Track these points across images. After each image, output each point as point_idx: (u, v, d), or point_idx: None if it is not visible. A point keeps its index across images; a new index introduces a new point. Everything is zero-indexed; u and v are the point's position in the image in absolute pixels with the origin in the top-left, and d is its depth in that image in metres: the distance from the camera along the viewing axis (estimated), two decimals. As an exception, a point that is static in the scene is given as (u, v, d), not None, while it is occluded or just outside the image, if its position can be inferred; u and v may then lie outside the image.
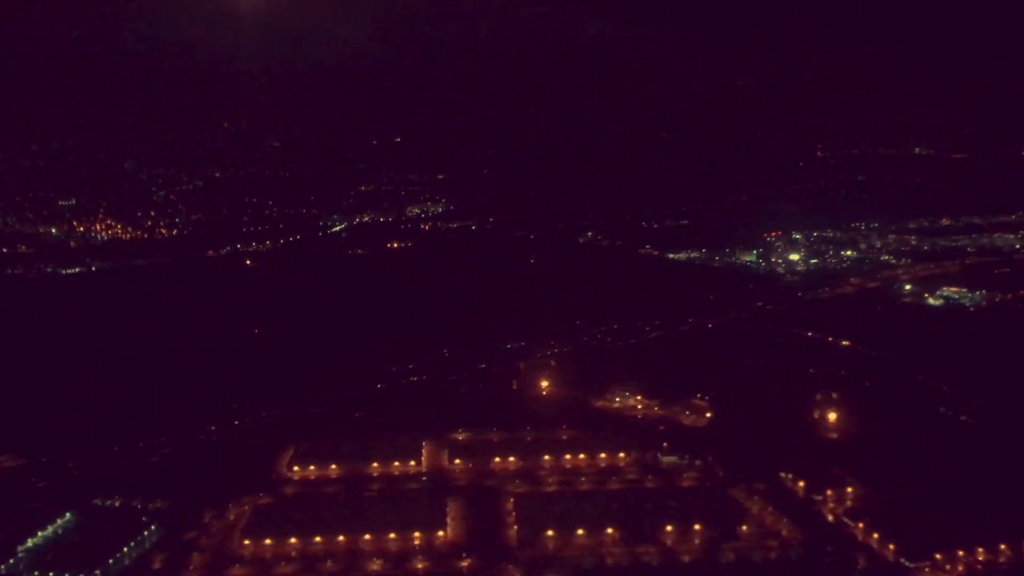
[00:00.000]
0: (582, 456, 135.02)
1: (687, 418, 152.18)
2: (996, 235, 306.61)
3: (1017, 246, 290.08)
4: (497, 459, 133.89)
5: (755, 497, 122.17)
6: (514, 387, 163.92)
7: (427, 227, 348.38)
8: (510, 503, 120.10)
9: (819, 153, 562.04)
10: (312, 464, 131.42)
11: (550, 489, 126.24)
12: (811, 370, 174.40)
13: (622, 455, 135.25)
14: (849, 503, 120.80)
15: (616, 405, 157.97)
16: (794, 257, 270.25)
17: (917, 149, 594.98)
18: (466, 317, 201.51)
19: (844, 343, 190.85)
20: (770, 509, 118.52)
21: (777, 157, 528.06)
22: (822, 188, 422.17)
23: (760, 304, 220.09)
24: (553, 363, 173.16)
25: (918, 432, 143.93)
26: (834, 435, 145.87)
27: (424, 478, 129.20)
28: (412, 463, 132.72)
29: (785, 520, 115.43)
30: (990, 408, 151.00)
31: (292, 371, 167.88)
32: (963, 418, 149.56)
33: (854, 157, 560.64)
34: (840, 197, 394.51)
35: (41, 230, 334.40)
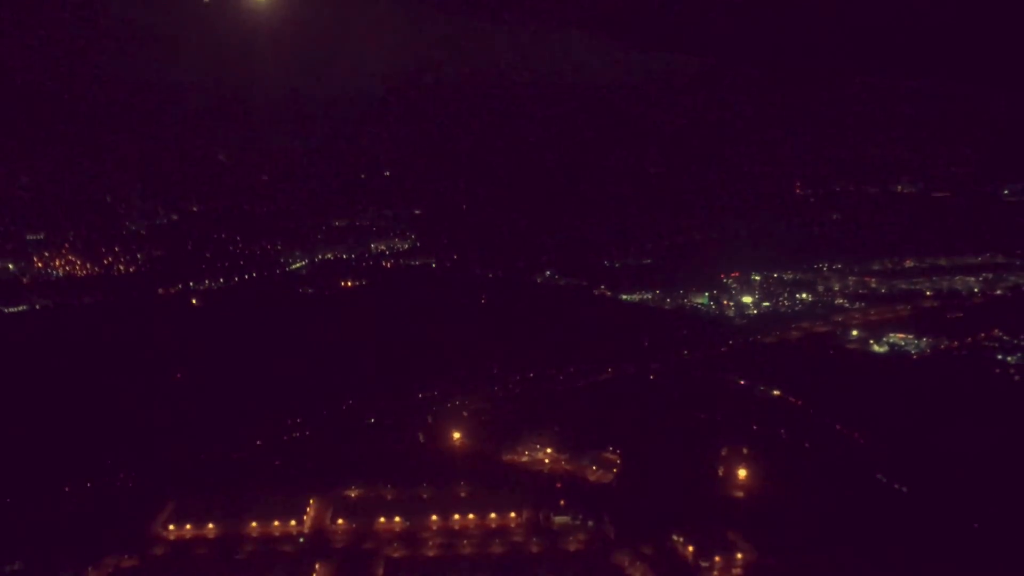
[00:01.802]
0: (471, 516, 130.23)
1: (593, 473, 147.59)
2: (958, 277, 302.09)
3: (976, 289, 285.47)
4: (382, 519, 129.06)
5: (639, 563, 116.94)
6: (420, 439, 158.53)
7: (388, 264, 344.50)
8: (380, 569, 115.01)
9: (798, 191, 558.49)
10: (189, 522, 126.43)
11: (430, 553, 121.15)
12: (735, 421, 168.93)
13: (513, 515, 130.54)
14: (736, 571, 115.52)
15: (524, 459, 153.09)
16: (747, 299, 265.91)
17: (900, 187, 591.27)
18: (392, 363, 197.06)
19: (775, 392, 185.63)
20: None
21: (751, 194, 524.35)
22: (792, 227, 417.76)
23: (695, 351, 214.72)
24: (465, 413, 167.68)
25: (835, 495, 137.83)
26: (740, 494, 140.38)
27: (301, 539, 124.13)
28: (292, 522, 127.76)
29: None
30: (921, 474, 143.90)
31: (194, 419, 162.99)
32: (896, 485, 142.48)
33: (835, 195, 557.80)
34: (809, 237, 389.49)
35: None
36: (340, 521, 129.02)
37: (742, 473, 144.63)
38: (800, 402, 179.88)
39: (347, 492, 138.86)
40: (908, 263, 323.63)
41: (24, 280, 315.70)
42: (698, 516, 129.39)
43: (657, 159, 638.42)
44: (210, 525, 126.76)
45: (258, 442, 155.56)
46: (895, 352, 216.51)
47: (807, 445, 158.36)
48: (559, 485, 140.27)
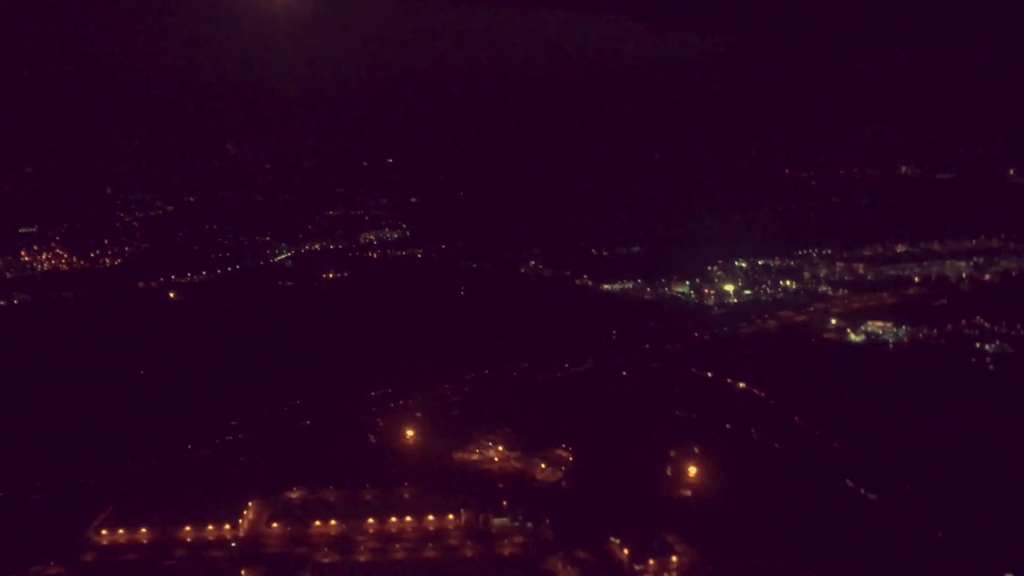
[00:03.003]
0: (408, 519, 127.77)
1: (542, 472, 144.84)
2: (948, 263, 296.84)
3: (964, 275, 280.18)
4: (318, 523, 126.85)
5: (571, 567, 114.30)
6: (372, 439, 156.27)
7: (375, 255, 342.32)
8: (306, 575, 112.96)
9: (803, 175, 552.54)
10: (122, 527, 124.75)
11: (361, 559, 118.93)
12: (695, 417, 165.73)
13: (451, 517, 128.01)
14: (670, 574, 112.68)
15: (475, 457, 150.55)
16: (728, 288, 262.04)
17: (904, 168, 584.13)
18: (352, 359, 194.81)
19: (740, 385, 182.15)
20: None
21: (749, 180, 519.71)
22: (787, 212, 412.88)
23: (665, 343, 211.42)
24: (419, 413, 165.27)
25: (793, 499, 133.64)
26: (688, 493, 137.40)
27: (233, 544, 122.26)
28: (227, 527, 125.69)
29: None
30: (891, 480, 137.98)
31: (145, 420, 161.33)
32: (863, 491, 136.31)
33: (838, 178, 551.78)
34: (803, 222, 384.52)
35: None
36: (275, 525, 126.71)
37: (692, 471, 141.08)
38: (766, 396, 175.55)
39: (289, 494, 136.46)
40: (900, 248, 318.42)
41: (7, 275, 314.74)
42: (641, 517, 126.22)
43: (653, 147, 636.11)
44: (143, 530, 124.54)
45: (207, 442, 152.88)
46: (872, 342, 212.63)
47: (769, 443, 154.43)
48: (501, 485, 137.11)
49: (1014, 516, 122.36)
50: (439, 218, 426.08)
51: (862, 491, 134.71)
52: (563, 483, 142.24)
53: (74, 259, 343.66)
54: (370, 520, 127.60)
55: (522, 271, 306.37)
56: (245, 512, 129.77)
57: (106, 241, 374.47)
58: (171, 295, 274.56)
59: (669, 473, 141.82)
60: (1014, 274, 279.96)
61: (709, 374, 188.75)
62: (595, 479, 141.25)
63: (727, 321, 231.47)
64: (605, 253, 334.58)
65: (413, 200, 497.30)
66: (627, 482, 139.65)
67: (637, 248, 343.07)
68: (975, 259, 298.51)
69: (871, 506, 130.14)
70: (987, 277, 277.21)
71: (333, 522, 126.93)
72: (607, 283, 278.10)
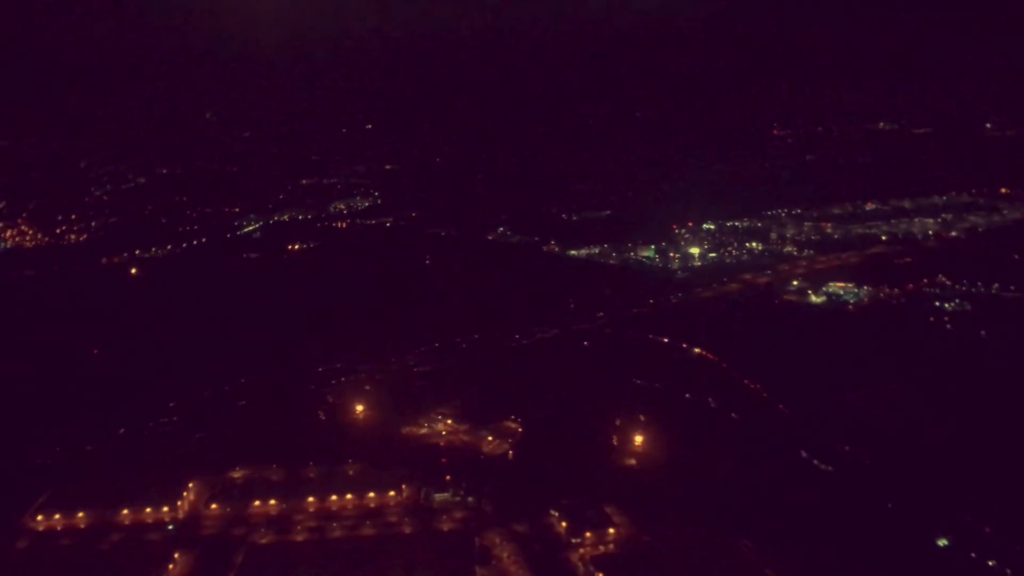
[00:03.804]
0: (349, 496, 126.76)
1: (488, 445, 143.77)
2: (916, 219, 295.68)
3: (930, 232, 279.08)
4: (257, 502, 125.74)
5: (508, 542, 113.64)
6: (320, 416, 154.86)
7: (343, 225, 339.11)
8: (240, 557, 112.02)
9: (775, 132, 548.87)
10: (59, 512, 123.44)
11: (298, 538, 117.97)
12: (646, 384, 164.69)
13: (392, 494, 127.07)
14: (605, 548, 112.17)
15: (423, 431, 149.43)
16: (694, 251, 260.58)
17: (882, 124, 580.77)
18: (308, 333, 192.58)
19: (696, 351, 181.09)
20: (514, 556, 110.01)
21: (725, 139, 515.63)
22: (760, 171, 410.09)
23: (624, 309, 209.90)
24: (368, 387, 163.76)
25: (743, 469, 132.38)
26: (633, 462, 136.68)
27: (170, 527, 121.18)
28: (166, 508, 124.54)
29: (521, 570, 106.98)
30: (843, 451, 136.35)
31: (88, 401, 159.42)
32: (815, 462, 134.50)
33: (816, 135, 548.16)
34: (776, 182, 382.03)
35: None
36: (213, 506, 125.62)
37: (638, 440, 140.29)
38: (722, 362, 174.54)
39: (232, 474, 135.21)
40: (870, 206, 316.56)
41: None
42: (583, 489, 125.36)
43: (627, 109, 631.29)
44: (80, 515, 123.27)
45: (151, 422, 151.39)
46: (832, 302, 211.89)
47: (721, 410, 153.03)
48: (444, 460, 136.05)
49: (959, 482, 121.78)
50: (412, 186, 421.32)
51: (815, 462, 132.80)
52: (510, 455, 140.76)
53: (39, 235, 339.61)
54: (310, 499, 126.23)
55: (490, 238, 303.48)
56: (185, 493, 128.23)
57: (73, 216, 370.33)
58: (133, 271, 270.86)
59: (615, 443, 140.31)
60: (980, 230, 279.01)
61: (665, 340, 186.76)
62: (542, 451, 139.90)
63: (689, 285, 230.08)
64: (575, 218, 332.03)
65: (388, 167, 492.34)
66: (573, 453, 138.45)
67: (608, 212, 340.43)
68: (944, 216, 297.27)
69: (823, 477, 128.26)
70: (953, 234, 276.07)
71: (272, 501, 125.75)
72: (574, 249, 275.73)
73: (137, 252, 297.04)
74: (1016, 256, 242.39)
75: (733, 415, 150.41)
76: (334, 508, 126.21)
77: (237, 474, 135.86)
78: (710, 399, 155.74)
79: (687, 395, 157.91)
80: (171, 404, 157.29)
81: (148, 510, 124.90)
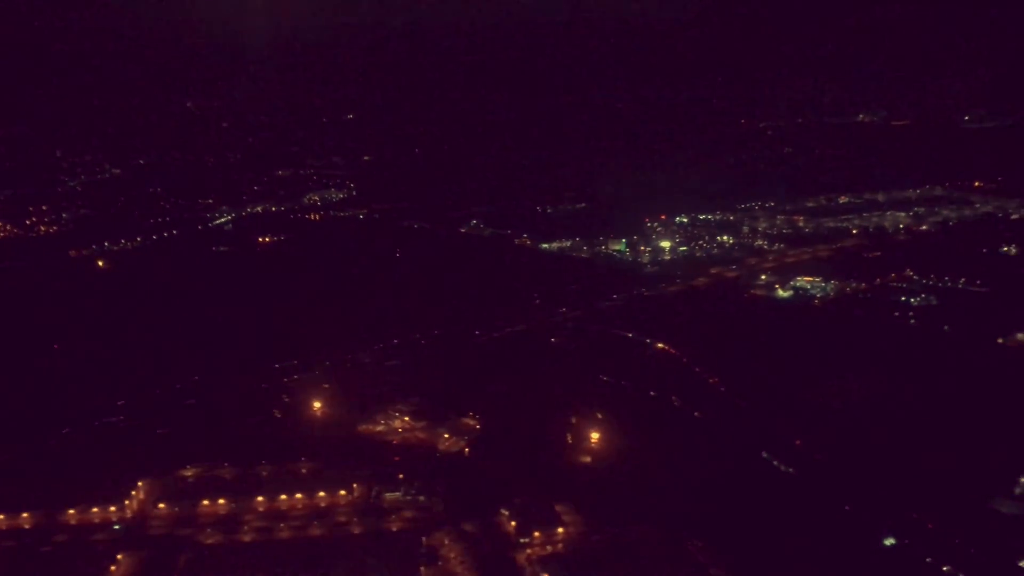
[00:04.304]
0: (299, 496, 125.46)
1: (444, 442, 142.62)
2: (889, 213, 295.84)
3: (901, 226, 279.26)
4: (206, 502, 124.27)
5: (456, 542, 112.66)
6: (276, 414, 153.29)
7: (317, 217, 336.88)
8: (184, 558, 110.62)
9: (760, 124, 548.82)
10: (3, 512, 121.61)
11: (245, 538, 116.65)
12: (608, 380, 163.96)
13: (343, 493, 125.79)
14: (553, 548, 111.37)
15: (380, 429, 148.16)
16: (665, 244, 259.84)
17: (862, 116, 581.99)
18: (269, 330, 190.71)
19: (659, 346, 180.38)
20: (461, 556, 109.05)
21: (706, 132, 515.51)
22: (737, 164, 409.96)
23: (590, 304, 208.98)
24: (326, 384, 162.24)
25: (701, 467, 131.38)
26: (588, 459, 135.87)
27: (116, 527, 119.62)
28: (113, 508, 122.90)
29: (467, 571, 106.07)
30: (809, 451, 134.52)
31: (39, 397, 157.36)
32: (776, 463, 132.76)
33: (795, 127, 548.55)
34: (752, 175, 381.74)
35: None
36: (161, 505, 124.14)
37: (594, 437, 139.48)
38: (685, 357, 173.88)
39: (183, 472, 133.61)
40: (843, 199, 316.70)
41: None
42: (536, 487, 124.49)
43: (605, 101, 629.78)
44: (25, 515, 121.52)
45: (98, 420, 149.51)
46: (799, 297, 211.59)
47: (681, 407, 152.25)
48: (397, 459, 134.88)
49: (910, 478, 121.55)
50: (388, 177, 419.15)
51: (775, 463, 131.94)
52: (465, 453, 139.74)
53: (8, 227, 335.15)
54: (259, 498, 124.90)
55: (463, 231, 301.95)
56: (134, 493, 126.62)
57: (44, 207, 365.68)
58: (100, 263, 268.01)
59: (570, 440, 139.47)
60: (951, 223, 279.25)
61: (630, 335, 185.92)
62: (498, 448, 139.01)
63: (657, 279, 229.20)
64: (550, 211, 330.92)
65: (366, 158, 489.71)
66: (529, 451, 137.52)
67: (583, 205, 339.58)
68: (916, 209, 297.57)
69: (780, 477, 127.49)
70: (924, 227, 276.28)
71: (222, 501, 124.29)
72: (546, 242, 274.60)
73: (106, 244, 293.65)
74: (984, 250, 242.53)
75: (694, 413, 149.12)
76: (284, 508, 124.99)
77: (188, 473, 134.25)
78: (671, 396, 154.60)
79: (647, 391, 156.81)
80: (120, 403, 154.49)
81: (95, 510, 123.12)
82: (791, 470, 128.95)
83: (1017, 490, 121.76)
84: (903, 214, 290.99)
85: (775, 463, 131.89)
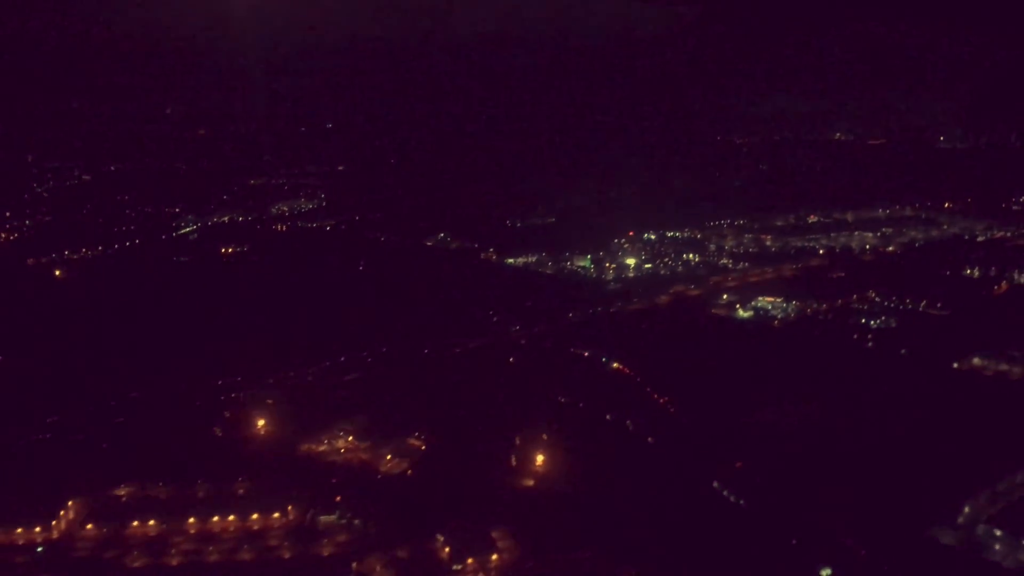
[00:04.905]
0: (232, 518, 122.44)
1: (387, 463, 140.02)
2: (856, 233, 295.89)
3: (868, 246, 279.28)
4: (136, 523, 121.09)
5: (387, 568, 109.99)
6: (217, 431, 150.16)
7: (283, 228, 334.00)
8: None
9: (737, 141, 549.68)
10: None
11: (172, 562, 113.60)
12: (560, 398, 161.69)
13: (277, 515, 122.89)
14: (485, 574, 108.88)
15: (322, 448, 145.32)
16: (630, 261, 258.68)
17: (839, 134, 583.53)
18: (217, 343, 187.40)
19: (615, 365, 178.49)
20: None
21: (683, 145, 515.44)
22: (709, 181, 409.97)
23: (550, 321, 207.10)
24: (270, 400, 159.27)
25: (647, 493, 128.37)
26: (531, 483, 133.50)
27: (40, 549, 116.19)
28: (38, 529, 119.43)
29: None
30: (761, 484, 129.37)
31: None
32: (725, 493, 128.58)
33: (772, 144, 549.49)
34: (726, 189, 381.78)
35: None
36: (89, 526, 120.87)
37: (539, 460, 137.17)
38: (637, 376, 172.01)
39: (116, 491, 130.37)
40: (812, 218, 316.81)
41: None
42: (475, 511, 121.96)
43: (580, 114, 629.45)
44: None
45: (31, 437, 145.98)
46: (759, 317, 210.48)
47: (632, 430, 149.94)
48: (334, 480, 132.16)
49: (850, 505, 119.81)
50: (360, 187, 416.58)
51: (725, 493, 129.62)
52: (408, 475, 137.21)
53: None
54: (191, 520, 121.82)
55: (428, 243, 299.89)
56: (63, 512, 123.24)
57: (8, 213, 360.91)
58: (57, 272, 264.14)
59: (515, 463, 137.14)
60: (918, 244, 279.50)
61: (586, 354, 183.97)
62: (441, 470, 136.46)
63: (619, 297, 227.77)
64: (519, 224, 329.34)
65: (341, 168, 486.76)
66: (473, 473, 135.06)
67: (553, 219, 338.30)
68: (884, 229, 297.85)
69: (725, 506, 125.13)
70: (891, 248, 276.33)
71: (152, 522, 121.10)
72: (511, 256, 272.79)
73: (66, 253, 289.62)
74: (948, 272, 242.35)
75: (644, 437, 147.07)
76: (216, 530, 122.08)
77: (122, 492, 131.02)
78: (620, 417, 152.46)
79: (597, 412, 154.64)
80: (53, 419, 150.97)
81: (19, 531, 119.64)
82: (741, 501, 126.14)
83: (960, 519, 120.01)
84: (871, 234, 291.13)
85: (724, 492, 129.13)
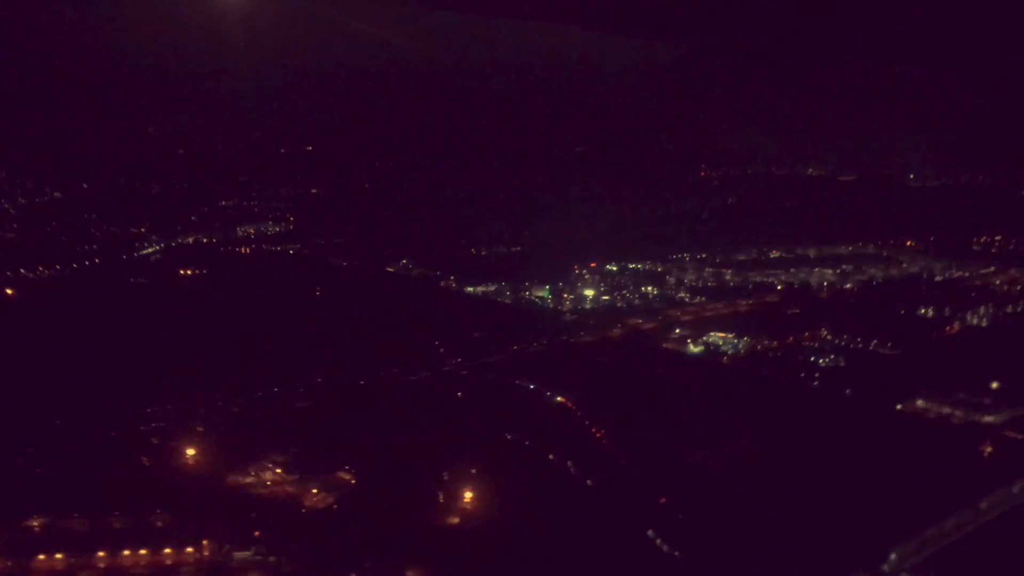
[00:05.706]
0: (143, 552, 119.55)
1: (312, 497, 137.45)
2: (817, 269, 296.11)
3: (826, 283, 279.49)
4: (42, 556, 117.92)
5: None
6: (144, 462, 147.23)
7: (247, 250, 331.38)
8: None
9: (703, 174, 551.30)
10: None
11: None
12: (498, 433, 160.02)
13: (190, 550, 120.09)
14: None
15: (248, 480, 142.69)
16: (588, 293, 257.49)
17: (811, 170, 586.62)
18: (153, 370, 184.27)
19: (559, 399, 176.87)
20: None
21: (652, 177, 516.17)
22: (679, 213, 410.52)
23: (498, 352, 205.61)
24: (200, 428, 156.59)
25: (579, 536, 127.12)
26: (456, 520, 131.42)
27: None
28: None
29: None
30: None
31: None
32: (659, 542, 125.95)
33: (742, 178, 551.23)
34: (691, 222, 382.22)
35: None
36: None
37: (467, 496, 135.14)
38: (578, 411, 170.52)
39: (30, 522, 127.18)
40: (774, 253, 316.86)
41: None
42: (392, 549, 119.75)
43: (549, 145, 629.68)
44: None
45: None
46: (709, 352, 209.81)
47: (567, 467, 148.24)
48: (254, 515, 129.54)
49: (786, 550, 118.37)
50: (330, 211, 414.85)
51: (659, 542, 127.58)
52: (333, 510, 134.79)
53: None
54: (101, 553, 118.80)
55: (390, 270, 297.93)
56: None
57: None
58: (9, 292, 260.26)
59: (442, 499, 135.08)
60: (875, 283, 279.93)
61: (532, 386, 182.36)
62: (368, 505, 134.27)
63: (573, 328, 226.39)
64: (484, 252, 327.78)
65: (314, 191, 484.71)
66: (399, 509, 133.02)
67: (519, 248, 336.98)
68: (844, 266, 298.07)
69: (661, 557, 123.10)
70: (848, 285, 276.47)
71: (59, 555, 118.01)
72: (471, 285, 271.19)
73: (22, 272, 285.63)
74: (902, 311, 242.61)
75: (578, 475, 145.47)
76: (126, 564, 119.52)
77: (35, 523, 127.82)
78: (557, 454, 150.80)
79: (533, 448, 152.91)
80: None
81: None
82: (676, 553, 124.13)
83: (885, 567, 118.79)
84: (830, 271, 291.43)
85: (657, 541, 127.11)
